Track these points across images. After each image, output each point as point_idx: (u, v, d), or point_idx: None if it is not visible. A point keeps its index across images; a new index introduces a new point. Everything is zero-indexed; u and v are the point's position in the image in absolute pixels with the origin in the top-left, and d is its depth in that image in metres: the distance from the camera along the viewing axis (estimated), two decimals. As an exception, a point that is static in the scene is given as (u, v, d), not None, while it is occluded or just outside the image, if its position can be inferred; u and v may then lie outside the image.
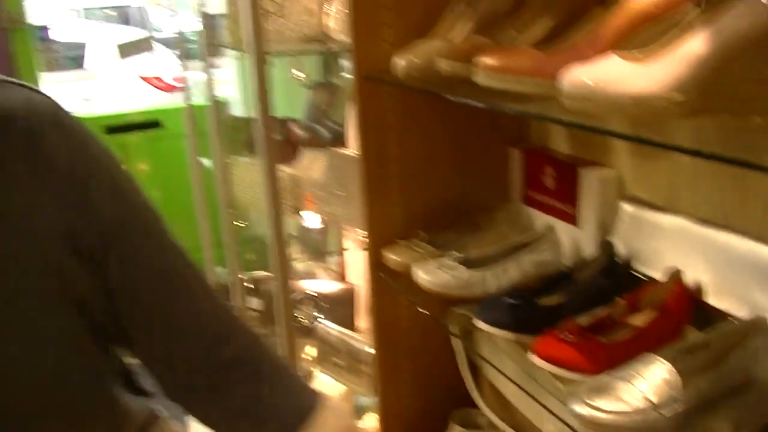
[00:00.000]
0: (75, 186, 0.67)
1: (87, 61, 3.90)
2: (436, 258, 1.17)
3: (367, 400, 1.61)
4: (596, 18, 0.88)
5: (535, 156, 1.28)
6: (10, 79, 0.67)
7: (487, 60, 0.89)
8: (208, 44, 2.05)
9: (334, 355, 1.54)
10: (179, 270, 0.75)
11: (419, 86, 1.10)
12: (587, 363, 0.84)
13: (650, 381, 0.75)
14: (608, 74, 0.71)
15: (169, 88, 3.67)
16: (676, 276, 0.95)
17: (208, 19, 2.04)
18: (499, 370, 1.08)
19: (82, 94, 3.70)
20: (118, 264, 0.69)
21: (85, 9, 4.77)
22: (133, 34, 4.13)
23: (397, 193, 1.30)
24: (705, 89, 0.67)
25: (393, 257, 1.23)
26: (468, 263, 1.13)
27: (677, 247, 1.00)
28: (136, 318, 0.73)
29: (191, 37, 2.44)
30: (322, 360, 1.59)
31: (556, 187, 1.22)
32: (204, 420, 0.78)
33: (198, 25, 2.07)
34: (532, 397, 0.97)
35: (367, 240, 1.30)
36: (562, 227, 1.20)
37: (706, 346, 0.82)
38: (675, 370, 0.75)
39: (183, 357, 0.75)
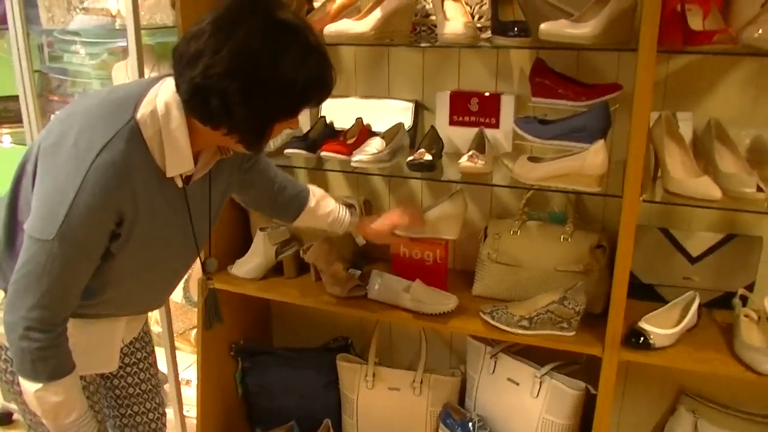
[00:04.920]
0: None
1: None
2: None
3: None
4: (319, 10, 2.04)
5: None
6: None
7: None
8: None
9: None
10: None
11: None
12: (346, 150, 2.01)
13: (374, 144, 1.96)
14: (344, 26, 1.89)
15: None
16: (359, 121, 2.17)
17: None
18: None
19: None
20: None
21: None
22: None
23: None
24: (382, 29, 1.89)
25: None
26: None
27: (352, 112, 2.23)
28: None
29: None
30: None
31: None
32: (279, 216, 1.90)
33: None
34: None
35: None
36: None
37: (385, 135, 2.06)
38: (382, 139, 1.98)
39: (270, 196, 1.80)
